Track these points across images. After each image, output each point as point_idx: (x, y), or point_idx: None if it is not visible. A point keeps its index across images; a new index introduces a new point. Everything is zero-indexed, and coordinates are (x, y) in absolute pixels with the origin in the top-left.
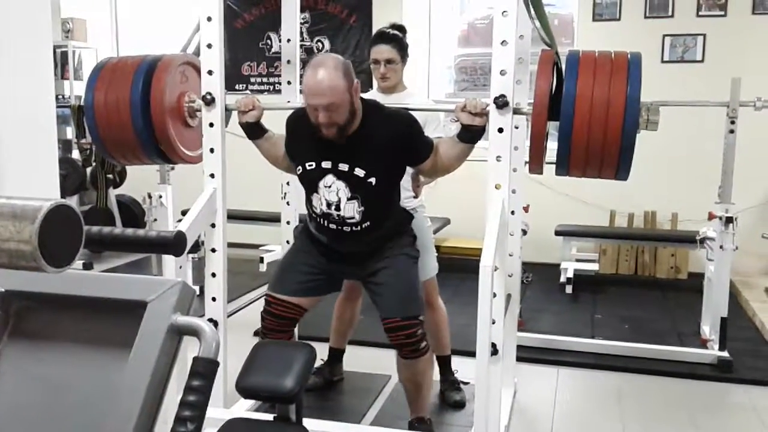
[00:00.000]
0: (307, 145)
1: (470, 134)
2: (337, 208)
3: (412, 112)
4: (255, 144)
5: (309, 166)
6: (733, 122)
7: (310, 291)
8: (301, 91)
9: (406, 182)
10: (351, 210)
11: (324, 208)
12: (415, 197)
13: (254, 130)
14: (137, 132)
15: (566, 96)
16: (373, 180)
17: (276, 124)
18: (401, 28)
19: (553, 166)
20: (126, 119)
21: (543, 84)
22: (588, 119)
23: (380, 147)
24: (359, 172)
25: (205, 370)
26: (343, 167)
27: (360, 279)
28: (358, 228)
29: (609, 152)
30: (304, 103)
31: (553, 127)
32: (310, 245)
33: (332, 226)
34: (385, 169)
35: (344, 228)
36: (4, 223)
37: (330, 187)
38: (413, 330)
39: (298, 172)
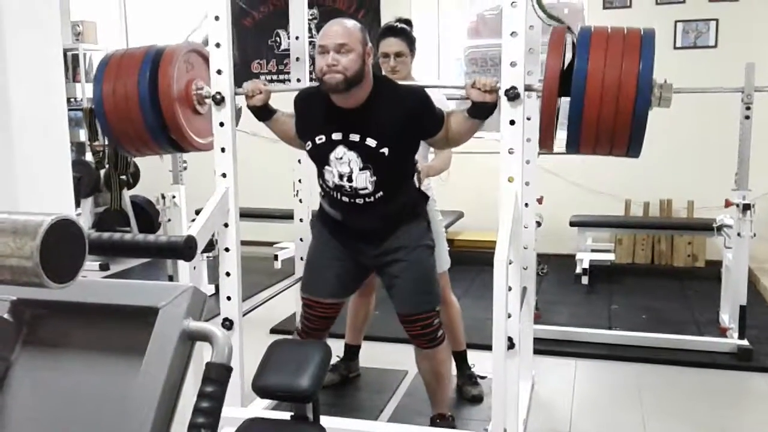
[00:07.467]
0: (316, 120)
1: (481, 111)
2: (350, 180)
3: None
4: (266, 125)
5: (319, 140)
6: (748, 108)
7: (347, 287)
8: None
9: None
10: (363, 180)
11: (336, 180)
12: (419, 187)
13: (263, 113)
14: (147, 122)
15: (578, 72)
16: (385, 150)
17: (285, 108)
18: (408, 22)
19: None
20: (135, 110)
21: (554, 60)
22: (599, 95)
23: (392, 119)
24: (371, 142)
25: (218, 375)
26: (354, 137)
27: (375, 265)
28: (372, 199)
29: (620, 129)
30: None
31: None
32: (328, 235)
33: (345, 198)
34: (397, 141)
35: (357, 200)
36: (5, 240)
37: (341, 158)
38: (429, 320)
39: (308, 148)
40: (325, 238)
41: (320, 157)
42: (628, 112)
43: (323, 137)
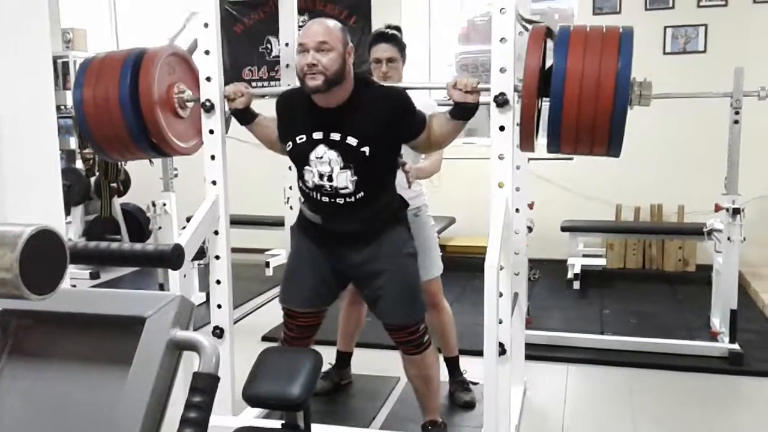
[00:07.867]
0: (297, 120)
1: (463, 111)
2: (330, 179)
3: None
4: (248, 129)
5: (300, 139)
6: (737, 112)
7: (325, 297)
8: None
9: (402, 180)
10: (344, 180)
11: (316, 180)
12: (409, 188)
13: (244, 116)
14: (128, 126)
15: (556, 72)
16: (366, 149)
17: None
18: (398, 29)
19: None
20: (116, 113)
21: (533, 59)
22: (578, 94)
23: (373, 119)
24: (351, 140)
25: (205, 385)
26: (335, 136)
27: (356, 275)
28: (352, 199)
29: (600, 127)
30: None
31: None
32: (307, 243)
33: (325, 199)
34: (378, 140)
35: (337, 200)
36: None
37: (322, 158)
38: (415, 327)
39: (289, 148)
40: (304, 246)
41: (300, 157)
42: (607, 111)
43: (304, 137)
